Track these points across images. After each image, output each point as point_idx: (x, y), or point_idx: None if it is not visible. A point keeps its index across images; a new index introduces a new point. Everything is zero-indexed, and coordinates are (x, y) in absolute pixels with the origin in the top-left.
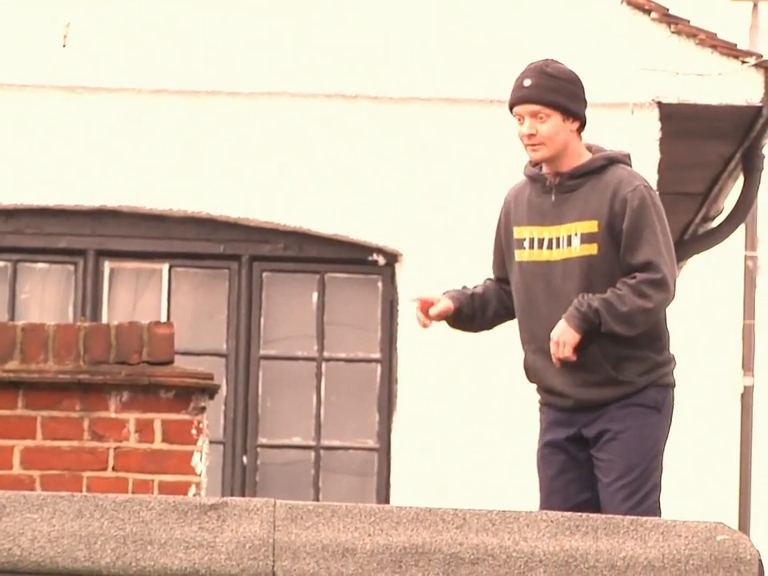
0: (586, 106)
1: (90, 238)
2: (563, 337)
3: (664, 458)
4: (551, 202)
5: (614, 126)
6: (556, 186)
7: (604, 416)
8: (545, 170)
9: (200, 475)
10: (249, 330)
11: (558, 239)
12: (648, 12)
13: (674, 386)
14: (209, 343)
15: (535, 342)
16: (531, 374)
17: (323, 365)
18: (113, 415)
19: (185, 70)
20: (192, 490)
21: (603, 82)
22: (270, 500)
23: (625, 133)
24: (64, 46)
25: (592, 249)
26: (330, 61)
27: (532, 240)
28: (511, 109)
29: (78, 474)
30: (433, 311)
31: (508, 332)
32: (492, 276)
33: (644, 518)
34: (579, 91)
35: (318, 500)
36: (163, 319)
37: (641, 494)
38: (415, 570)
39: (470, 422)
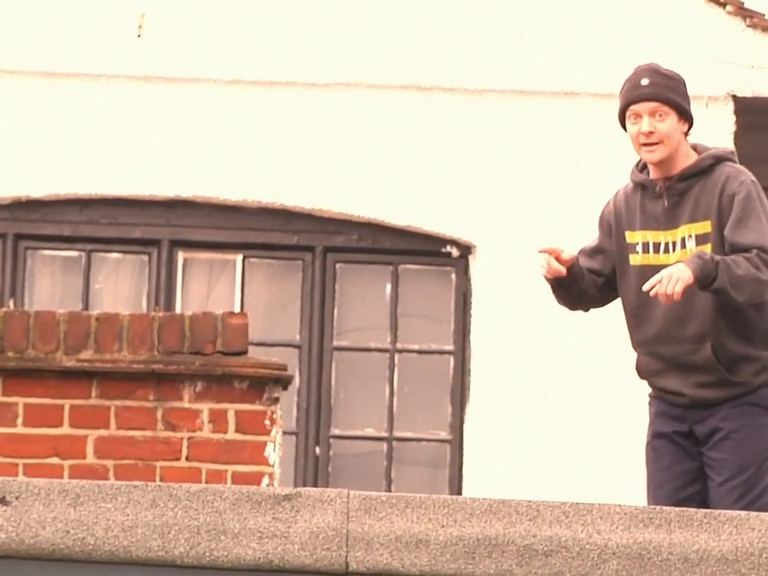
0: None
1: (164, 228)
2: (679, 273)
3: None
4: (663, 207)
5: None
6: (667, 190)
7: (717, 414)
8: (653, 174)
9: (273, 466)
10: (322, 321)
11: (673, 243)
12: (723, 5)
13: None
14: (282, 334)
15: (649, 345)
16: (645, 374)
17: (396, 356)
18: (186, 405)
19: (260, 61)
20: (265, 480)
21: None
22: (344, 491)
23: (699, 126)
24: (139, 36)
25: (707, 249)
26: (404, 52)
27: (646, 244)
28: (625, 108)
29: (152, 463)
30: (566, 255)
31: (580, 323)
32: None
33: (717, 511)
34: (687, 93)
35: (390, 491)
36: (237, 310)
37: (753, 495)
38: (488, 561)
39: (543, 413)
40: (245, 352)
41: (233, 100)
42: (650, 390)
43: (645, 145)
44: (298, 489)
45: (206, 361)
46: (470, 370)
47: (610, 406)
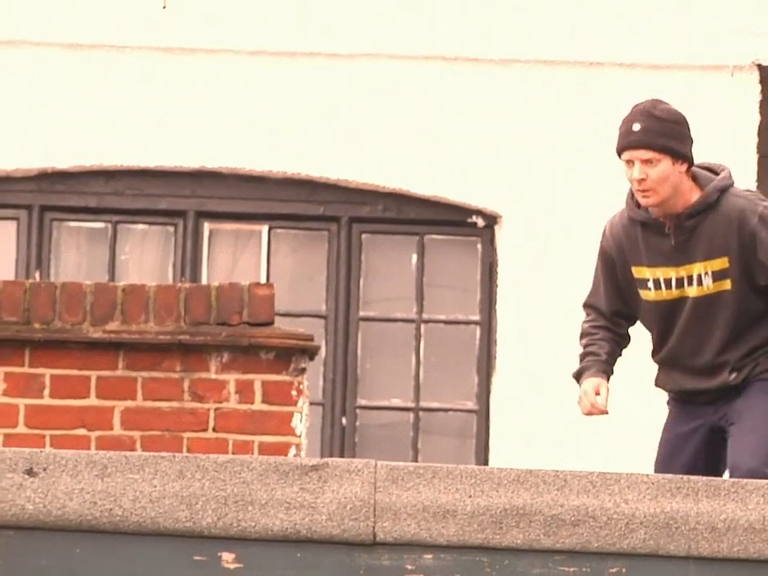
0: (692, 144)
1: (189, 199)
2: None
3: None
4: (672, 245)
5: (714, 89)
6: (675, 229)
7: (729, 398)
8: (655, 213)
9: (300, 436)
10: (348, 291)
11: (688, 278)
12: None
13: None
14: (308, 305)
15: (674, 363)
16: (664, 383)
17: (422, 326)
18: (213, 376)
19: (283, 32)
20: (292, 451)
21: (703, 44)
22: (371, 461)
23: (724, 95)
24: (164, 7)
25: (725, 284)
26: (428, 21)
27: (657, 281)
28: (620, 153)
29: (179, 434)
30: (601, 401)
31: None
32: (600, 314)
33: (745, 480)
34: (686, 130)
35: (416, 461)
36: (263, 281)
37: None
38: (516, 531)
39: (570, 382)
40: (271, 323)
41: (256, 71)
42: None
43: (639, 190)
44: (325, 459)
45: (232, 332)
46: (496, 340)
47: (636, 373)
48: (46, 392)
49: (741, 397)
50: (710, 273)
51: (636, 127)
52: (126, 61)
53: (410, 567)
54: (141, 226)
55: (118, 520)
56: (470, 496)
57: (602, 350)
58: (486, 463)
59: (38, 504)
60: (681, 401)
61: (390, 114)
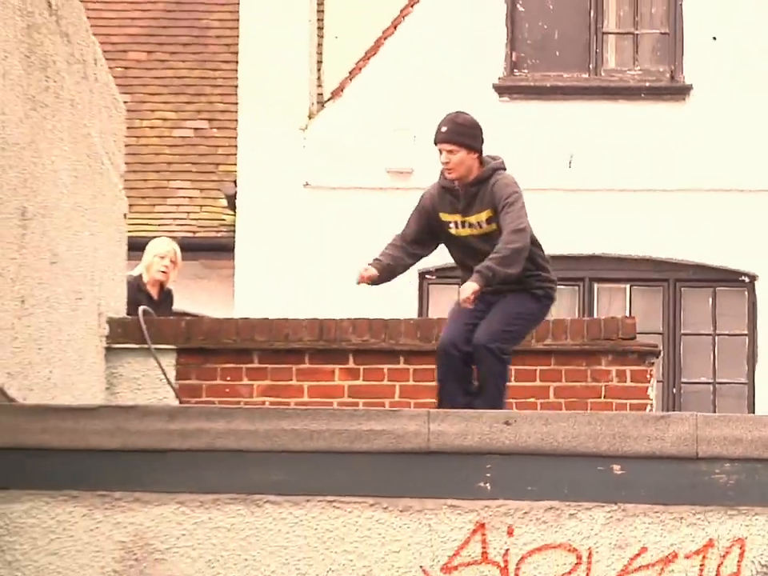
0: (482, 141)
1: None
2: (468, 288)
3: (526, 331)
4: (463, 201)
5: None
6: (463, 192)
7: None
8: (456, 183)
9: (652, 400)
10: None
11: (470, 222)
12: None
13: (552, 297)
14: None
15: (466, 272)
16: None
17: None
18: (603, 367)
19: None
20: (648, 407)
21: None
22: (694, 413)
23: None
24: (569, 164)
25: (493, 227)
26: None
27: (456, 223)
28: (435, 144)
29: (585, 401)
30: (366, 273)
31: None
32: (401, 237)
33: None
34: (478, 133)
35: None
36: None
37: (502, 333)
38: None
39: None
40: (634, 338)
41: None
42: None
43: (445, 169)
44: (668, 413)
45: (614, 343)
46: None
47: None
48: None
49: (502, 297)
50: (483, 219)
51: (443, 129)
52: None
53: (722, 479)
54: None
55: (556, 448)
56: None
57: (383, 257)
58: None
59: (511, 441)
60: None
61: None
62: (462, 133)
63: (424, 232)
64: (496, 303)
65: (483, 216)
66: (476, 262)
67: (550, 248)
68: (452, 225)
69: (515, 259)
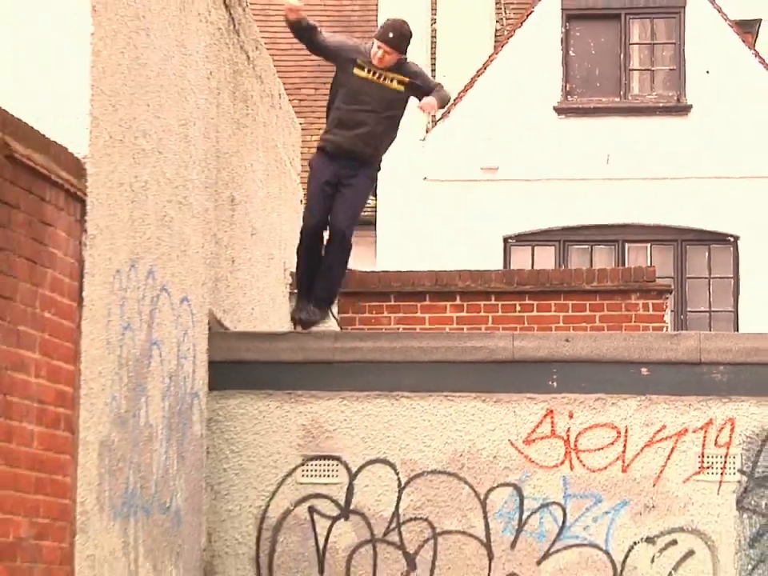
0: (408, 44)
1: None
2: (431, 101)
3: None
4: (379, 73)
5: None
6: (382, 72)
7: (353, 168)
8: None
9: (667, 323)
10: None
11: (382, 74)
12: None
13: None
14: None
15: (344, 129)
16: (338, 148)
17: None
18: (633, 301)
19: None
20: (664, 329)
21: None
22: (699, 331)
23: None
24: (607, 161)
25: (395, 86)
26: None
27: (368, 69)
28: (381, 41)
29: (620, 324)
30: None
31: None
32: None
33: None
34: (408, 41)
35: None
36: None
37: (354, 217)
38: None
39: None
40: (654, 281)
41: None
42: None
43: (377, 60)
44: (679, 332)
45: (640, 284)
46: None
47: None
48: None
49: (357, 172)
50: (392, 77)
51: (390, 35)
52: None
53: (718, 377)
54: None
55: (601, 357)
56: None
57: (308, 21)
58: None
59: (570, 353)
60: (330, 155)
61: None
62: (403, 43)
63: (325, 52)
64: (347, 183)
65: (393, 76)
66: (361, 106)
67: (595, 219)
68: (364, 69)
69: (447, 101)
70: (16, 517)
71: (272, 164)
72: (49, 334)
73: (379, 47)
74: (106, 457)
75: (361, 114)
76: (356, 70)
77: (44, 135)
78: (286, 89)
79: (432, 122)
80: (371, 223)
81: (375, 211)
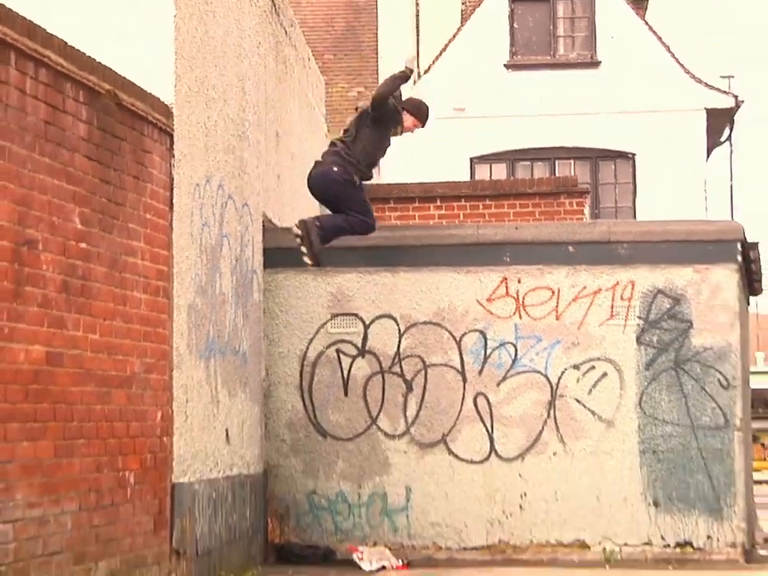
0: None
1: None
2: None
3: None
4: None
5: None
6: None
7: None
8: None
9: (587, 216)
10: None
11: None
12: None
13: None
14: None
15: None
16: None
17: None
18: (562, 200)
19: None
20: (584, 218)
21: None
22: None
23: None
24: None
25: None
26: None
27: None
28: (423, 124)
29: (553, 217)
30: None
31: None
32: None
33: None
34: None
35: None
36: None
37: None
38: None
39: None
40: (576, 185)
41: None
42: None
43: (407, 131)
44: (594, 220)
45: (567, 188)
46: None
47: None
48: None
49: None
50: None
51: (427, 118)
52: None
53: (623, 252)
54: None
55: (541, 240)
56: None
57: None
58: None
59: (519, 237)
60: None
61: None
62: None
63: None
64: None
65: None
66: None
67: (534, 144)
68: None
69: (378, 93)
70: (131, 358)
71: (304, 109)
72: (150, 229)
73: (416, 126)
74: (193, 316)
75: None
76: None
77: (142, 88)
78: (313, 54)
79: (418, 75)
80: None
81: None
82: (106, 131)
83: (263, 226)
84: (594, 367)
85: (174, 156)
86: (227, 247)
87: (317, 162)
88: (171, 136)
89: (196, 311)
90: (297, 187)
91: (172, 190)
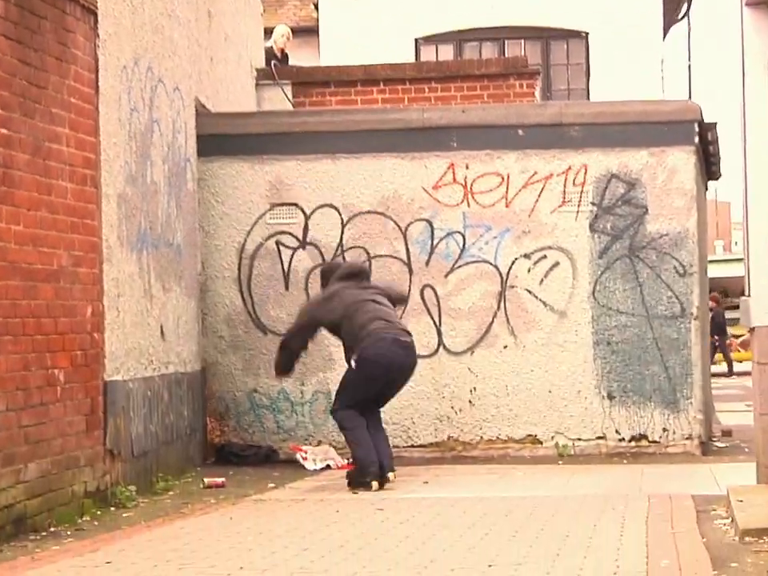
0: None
1: None
2: None
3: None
4: None
5: None
6: None
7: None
8: None
9: (537, 97)
10: None
11: None
12: None
13: (364, 358)
14: None
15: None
16: None
17: None
18: (512, 81)
19: None
20: (534, 100)
21: None
22: None
23: None
24: None
25: None
26: None
27: None
28: None
29: (502, 99)
30: None
31: None
32: None
33: None
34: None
35: None
36: None
37: (337, 400)
38: None
39: None
40: (527, 66)
41: None
42: None
43: None
44: (546, 101)
45: (517, 69)
46: None
47: None
48: None
49: None
50: None
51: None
52: None
53: (575, 135)
54: None
55: (489, 123)
56: None
57: None
58: None
59: (465, 120)
60: None
61: None
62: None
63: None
64: None
65: None
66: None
67: (482, 23)
68: None
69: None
70: (58, 250)
71: None
72: (75, 114)
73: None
74: (123, 206)
75: None
76: None
77: None
78: None
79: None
80: (315, 31)
81: (318, 21)
82: (24, 8)
83: (196, 111)
84: (545, 256)
85: (98, 36)
86: (158, 134)
87: (398, 340)
88: (95, 14)
89: (126, 201)
90: (230, 70)
91: (97, 72)
